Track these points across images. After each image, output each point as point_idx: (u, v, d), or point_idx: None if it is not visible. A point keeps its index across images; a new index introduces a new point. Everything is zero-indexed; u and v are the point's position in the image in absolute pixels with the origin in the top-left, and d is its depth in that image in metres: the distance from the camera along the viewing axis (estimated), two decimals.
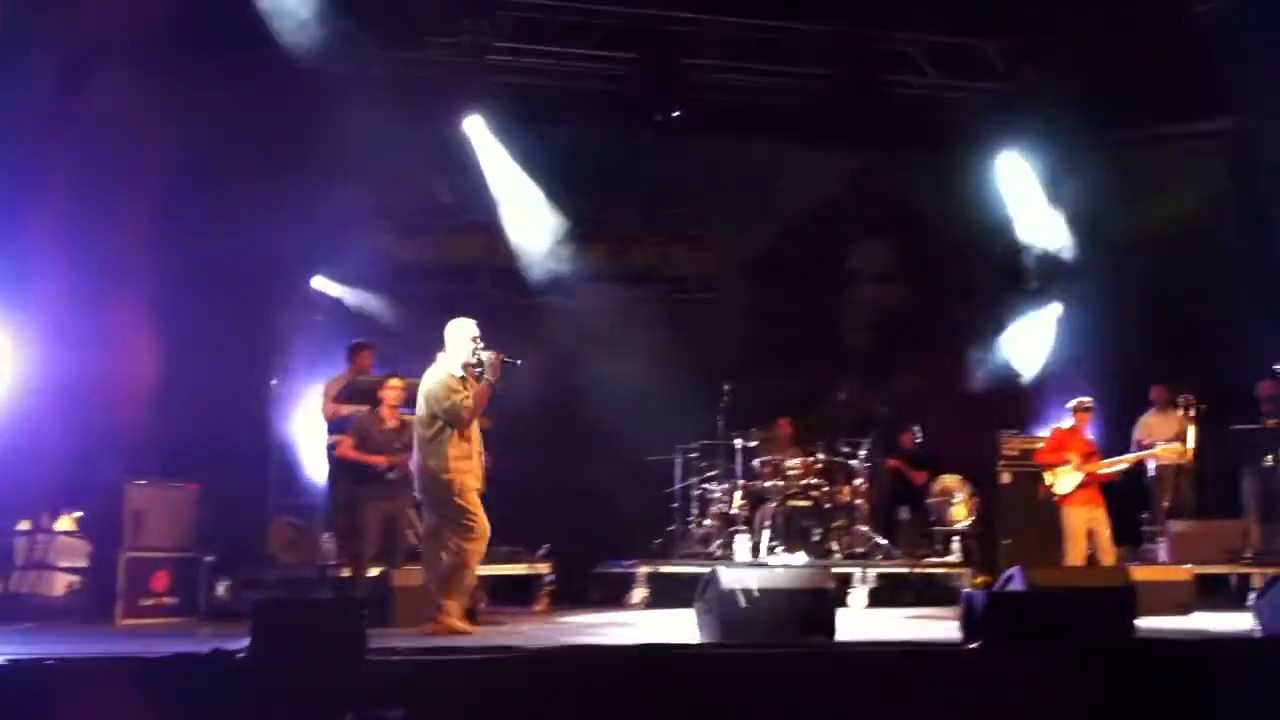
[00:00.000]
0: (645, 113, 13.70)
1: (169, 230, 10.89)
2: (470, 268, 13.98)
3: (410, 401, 8.94)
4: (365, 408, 9.77)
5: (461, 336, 8.38)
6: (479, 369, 8.39)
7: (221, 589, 9.84)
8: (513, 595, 10.87)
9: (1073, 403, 11.13)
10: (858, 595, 11.37)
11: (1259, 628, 7.64)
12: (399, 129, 12.19)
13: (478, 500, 8.31)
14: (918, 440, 13.57)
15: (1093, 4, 12.81)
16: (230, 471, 10.66)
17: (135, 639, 7.78)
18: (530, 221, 13.60)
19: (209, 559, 9.73)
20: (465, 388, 8.32)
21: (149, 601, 9.24)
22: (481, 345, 8.39)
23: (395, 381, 9.63)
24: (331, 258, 12.60)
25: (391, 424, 9.52)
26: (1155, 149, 14.69)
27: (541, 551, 11.04)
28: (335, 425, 10.12)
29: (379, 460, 9.34)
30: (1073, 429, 10.97)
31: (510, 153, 13.43)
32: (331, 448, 9.96)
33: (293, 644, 5.78)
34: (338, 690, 5.67)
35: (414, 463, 8.45)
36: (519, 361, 8.49)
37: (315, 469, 11.10)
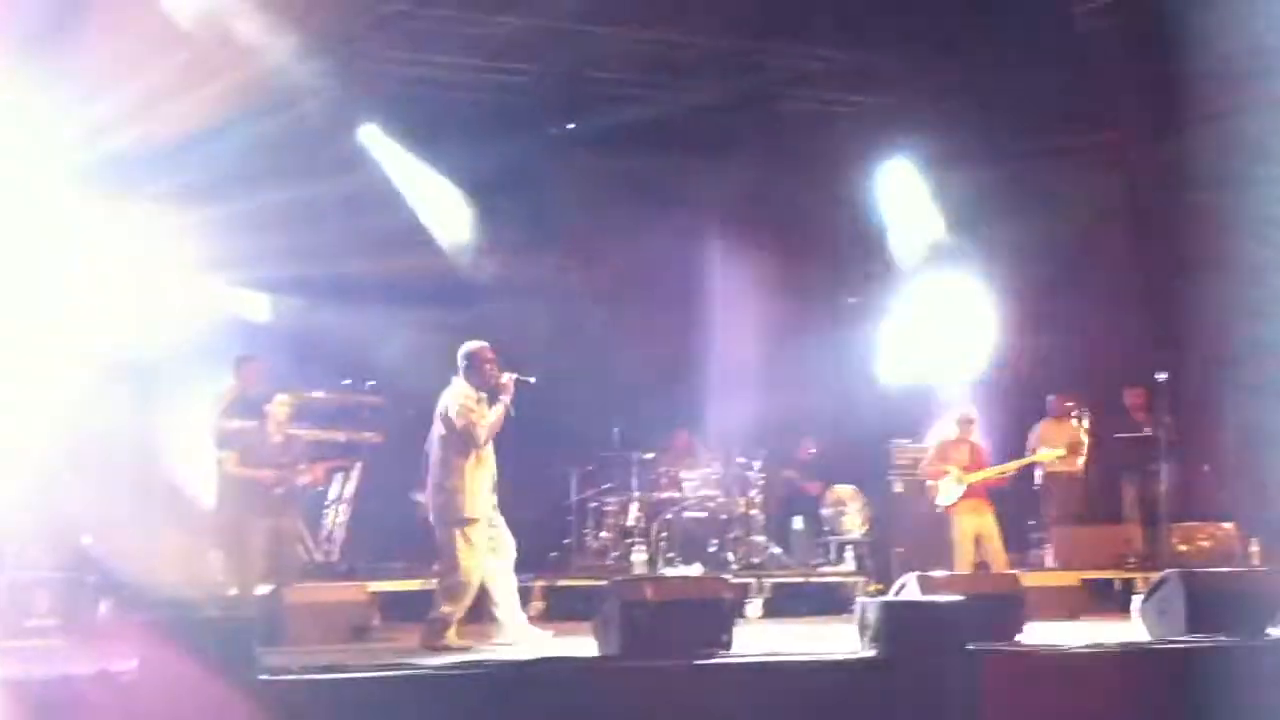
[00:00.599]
0: (541, 125, 13.67)
1: None
2: (361, 278, 13.78)
3: (301, 417, 8.82)
4: (253, 423, 9.58)
5: (478, 359, 8.53)
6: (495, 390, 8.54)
7: (106, 608, 9.57)
8: (409, 611, 10.70)
9: (955, 414, 11.30)
10: (754, 606, 11.41)
11: (1145, 631, 7.81)
12: (284, 131, 12.05)
13: (485, 520, 8.48)
14: (811, 451, 13.68)
15: (983, 19, 13.04)
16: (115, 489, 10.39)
17: (17, 661, 7.53)
18: (426, 233, 13.48)
19: (92, 578, 9.46)
20: (480, 408, 8.45)
21: (31, 623, 8.96)
22: (498, 367, 8.54)
23: (283, 397, 9.46)
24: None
25: (278, 439, 9.34)
26: (1045, 162, 15.01)
27: (437, 566, 10.88)
28: (222, 441, 9.91)
29: (265, 476, 9.16)
30: (956, 440, 11.12)
31: (402, 162, 13.31)
32: (219, 464, 9.76)
33: (180, 663, 5.63)
34: (228, 710, 5.54)
35: (429, 482, 8.55)
36: (532, 379, 8.65)
37: (203, 486, 10.87)
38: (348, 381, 11.24)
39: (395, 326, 13.37)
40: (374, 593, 9.74)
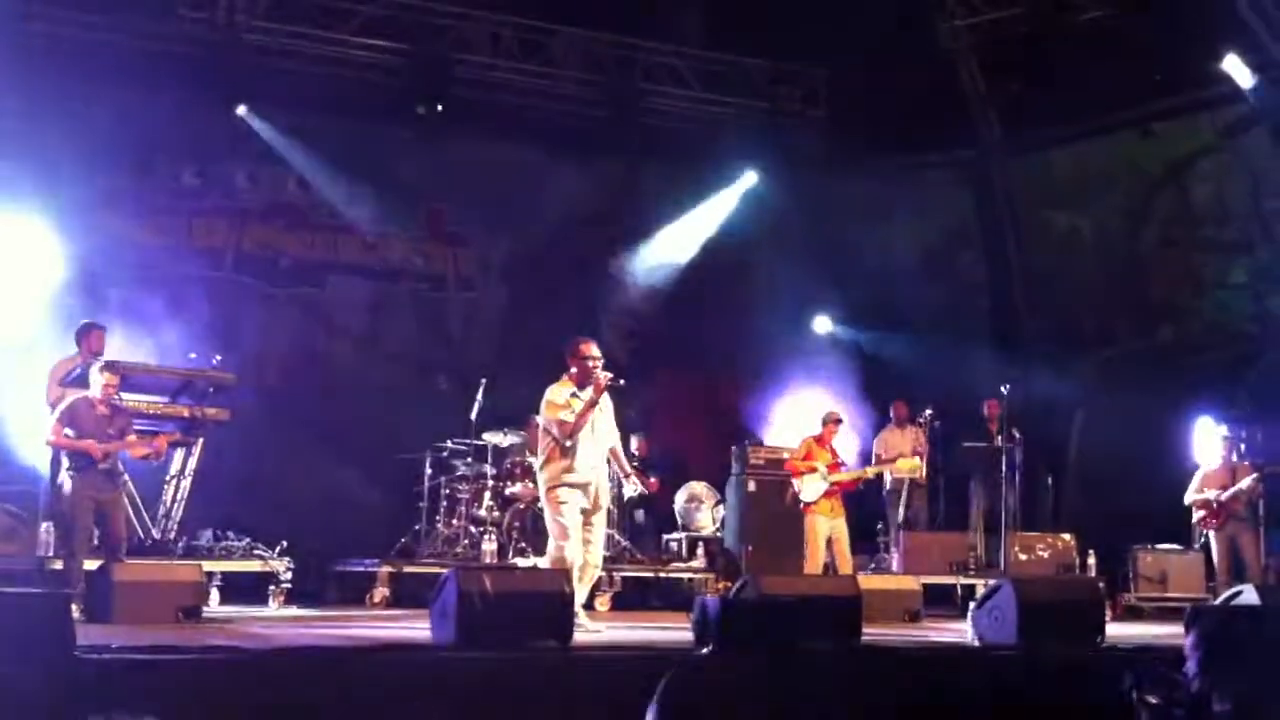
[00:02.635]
0: (408, 105, 13.50)
1: None
2: (216, 253, 13.47)
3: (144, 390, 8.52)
4: (81, 393, 9.25)
5: (581, 354, 8.71)
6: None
7: None
8: (246, 593, 10.48)
9: (824, 414, 11.41)
10: (602, 600, 11.39)
11: (975, 636, 7.96)
12: (145, 107, 11.75)
13: (576, 509, 8.61)
14: (648, 446, 13.62)
15: (852, 34, 13.22)
16: None
17: None
18: (282, 210, 13.24)
19: None
20: (570, 403, 8.61)
21: None
22: (601, 364, 8.73)
23: (110, 375, 9.12)
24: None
25: (102, 410, 9.00)
26: (903, 176, 15.28)
27: (278, 549, 10.67)
28: (54, 411, 9.56)
29: (88, 446, 8.83)
30: (820, 438, 11.23)
31: (266, 138, 13.06)
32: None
33: None
34: (46, 688, 5.34)
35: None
36: (621, 381, 8.77)
37: (37, 455, 10.50)
38: (193, 355, 10.93)
39: (246, 300, 13.16)
40: (208, 572, 9.48)
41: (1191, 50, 12.93)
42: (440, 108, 13.39)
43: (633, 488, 10.06)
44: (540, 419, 8.87)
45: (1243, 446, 12.03)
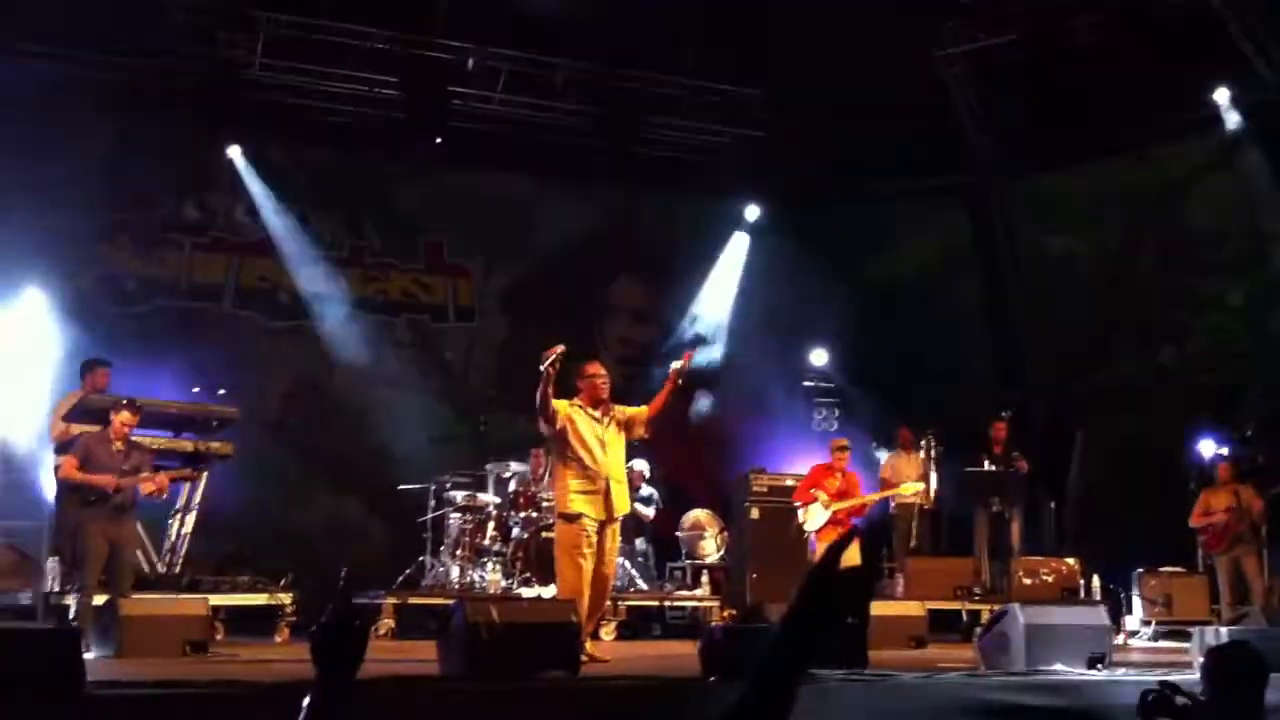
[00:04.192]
0: (406, 139, 13.58)
1: None
2: (214, 288, 13.52)
3: (148, 425, 8.52)
4: (94, 428, 9.28)
5: (586, 373, 8.85)
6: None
7: None
8: (253, 626, 10.48)
9: (832, 442, 11.46)
10: (607, 628, 11.37)
11: (982, 661, 7.96)
12: (143, 141, 11.82)
13: (591, 529, 8.56)
14: (645, 478, 13.60)
15: (848, 61, 13.30)
16: None
17: None
18: (282, 244, 13.31)
19: None
20: (570, 413, 8.67)
21: None
22: (606, 381, 8.85)
23: (127, 413, 9.14)
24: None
25: (119, 446, 9.03)
26: (901, 202, 15.36)
27: (284, 581, 10.67)
28: (63, 446, 9.59)
29: (104, 481, 8.85)
30: (828, 466, 11.26)
31: (265, 173, 13.13)
32: (58, 469, 9.43)
33: (4, 675, 5.42)
34: None
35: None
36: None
37: (44, 490, 10.52)
38: (197, 390, 10.96)
39: (246, 334, 13.19)
40: (214, 606, 9.48)
41: (1187, 73, 13.03)
42: (438, 140, 13.46)
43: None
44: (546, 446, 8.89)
45: (1243, 468, 12.05)
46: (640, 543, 13.32)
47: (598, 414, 8.76)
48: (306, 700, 2.65)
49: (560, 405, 8.68)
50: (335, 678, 2.67)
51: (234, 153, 13.22)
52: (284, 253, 13.40)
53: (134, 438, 9.24)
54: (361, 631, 2.74)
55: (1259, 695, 4.54)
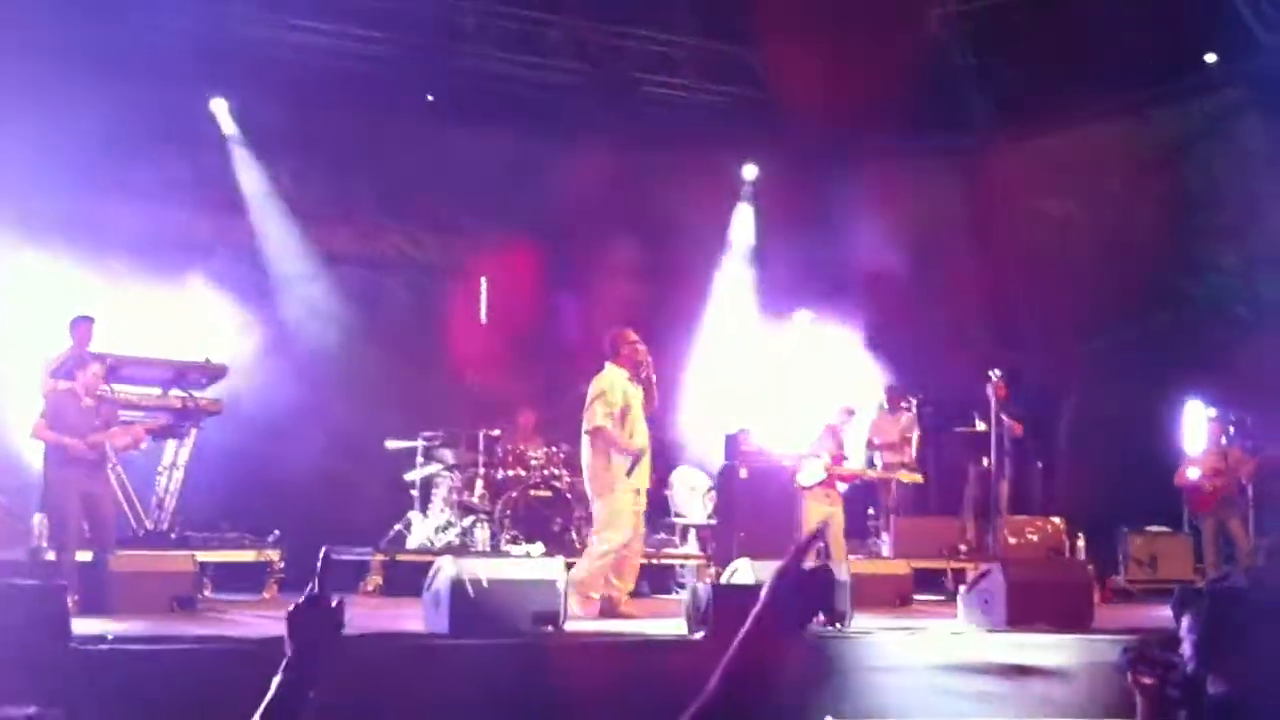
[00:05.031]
0: (401, 96, 13.50)
1: None
2: (207, 242, 13.47)
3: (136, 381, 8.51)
4: (67, 386, 9.25)
5: (629, 340, 9.09)
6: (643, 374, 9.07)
7: None
8: (240, 583, 10.51)
9: (839, 405, 11.53)
10: None
11: (965, 619, 8.02)
12: (139, 95, 11.73)
13: (629, 499, 8.93)
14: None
15: (847, 21, 13.23)
16: None
17: None
18: (271, 201, 13.26)
19: None
20: (612, 395, 8.95)
21: None
22: (645, 352, 9.10)
23: (96, 367, 9.14)
24: None
25: (88, 403, 9.01)
26: (898, 163, 15.32)
27: (271, 538, 10.70)
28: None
29: (69, 443, 8.82)
30: (834, 428, 11.36)
31: (255, 130, 13.06)
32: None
33: None
34: (41, 677, 5.38)
35: (583, 459, 9.18)
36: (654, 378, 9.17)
37: (30, 448, 10.53)
38: (188, 349, 10.96)
39: (238, 290, 13.14)
40: (202, 562, 9.50)
41: (1184, 35, 12.98)
42: (432, 98, 13.39)
43: None
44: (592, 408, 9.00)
45: (1232, 430, 12.09)
46: None
47: (637, 384, 9.07)
48: (277, 678, 2.66)
49: (617, 386, 8.94)
50: (307, 658, 2.67)
51: (218, 106, 13.10)
52: (269, 209, 13.34)
53: (107, 392, 9.23)
54: (336, 615, 2.73)
55: (1241, 651, 4.58)
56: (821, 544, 10.92)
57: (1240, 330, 13.72)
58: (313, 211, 13.67)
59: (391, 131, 13.88)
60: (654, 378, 9.18)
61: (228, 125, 13.23)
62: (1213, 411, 12.38)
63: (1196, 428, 12.63)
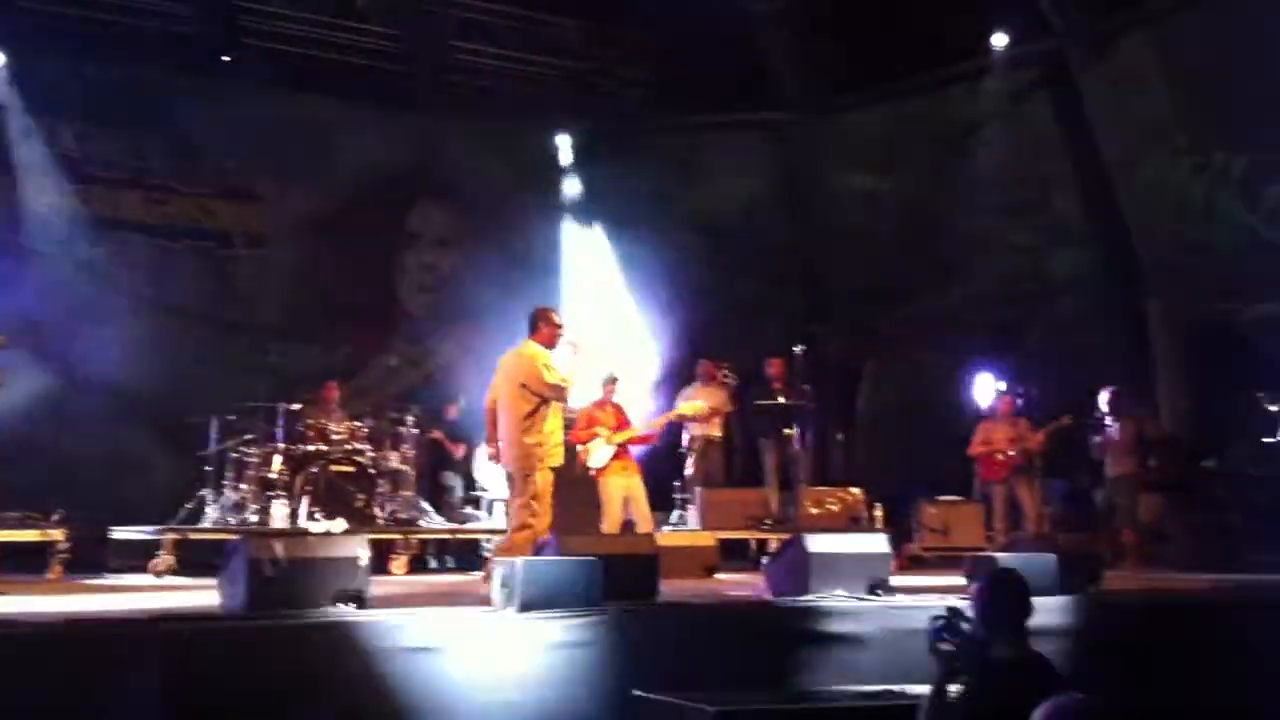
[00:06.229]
0: (195, 56, 12.99)
1: None
2: None
3: None
4: None
5: (553, 320, 8.97)
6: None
7: None
8: (24, 563, 10.00)
9: (601, 377, 11.38)
10: (399, 562, 11.22)
11: (769, 588, 8.12)
12: None
13: (551, 478, 8.86)
14: (458, 410, 13.46)
15: None
16: None
17: None
18: (48, 165, 12.64)
19: None
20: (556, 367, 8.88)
21: None
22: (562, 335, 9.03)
23: None
24: None
25: None
26: (717, 137, 15.46)
27: (55, 517, 10.20)
28: None
29: None
30: (600, 403, 11.20)
31: (33, 86, 12.41)
32: None
33: None
34: None
35: (504, 438, 8.88)
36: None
37: None
38: None
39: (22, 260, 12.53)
40: None
41: (979, 17, 13.41)
42: (226, 59, 12.92)
43: None
44: (519, 387, 8.78)
45: (1020, 402, 12.53)
46: (449, 476, 13.21)
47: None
48: None
49: (551, 360, 8.86)
50: None
51: None
52: (45, 174, 12.70)
53: None
54: None
55: (1023, 617, 4.78)
56: (628, 517, 10.92)
57: (1029, 306, 14.25)
58: (97, 175, 13.05)
59: (183, 93, 13.33)
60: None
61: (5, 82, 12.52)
62: (1003, 384, 12.80)
63: (988, 400, 13.06)
